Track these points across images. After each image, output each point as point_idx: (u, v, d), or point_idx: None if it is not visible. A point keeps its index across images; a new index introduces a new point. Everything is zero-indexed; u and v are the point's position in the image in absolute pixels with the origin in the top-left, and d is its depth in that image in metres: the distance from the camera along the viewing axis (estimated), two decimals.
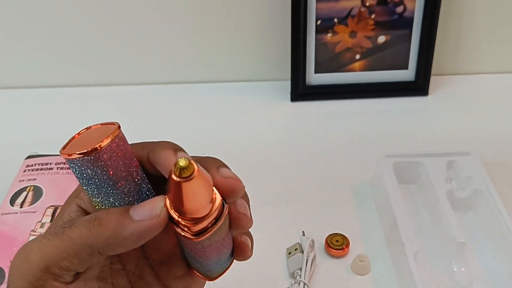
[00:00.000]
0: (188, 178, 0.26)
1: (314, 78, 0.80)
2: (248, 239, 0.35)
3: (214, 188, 0.29)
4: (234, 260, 0.36)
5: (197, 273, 0.35)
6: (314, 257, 0.55)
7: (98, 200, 0.30)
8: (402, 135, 0.74)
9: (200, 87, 0.83)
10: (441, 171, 0.61)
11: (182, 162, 0.26)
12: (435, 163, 0.62)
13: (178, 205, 0.27)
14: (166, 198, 0.29)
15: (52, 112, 0.79)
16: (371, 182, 0.64)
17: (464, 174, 0.61)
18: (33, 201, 0.60)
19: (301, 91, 0.80)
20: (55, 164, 0.64)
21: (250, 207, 0.33)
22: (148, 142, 0.32)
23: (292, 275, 0.54)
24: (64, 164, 0.64)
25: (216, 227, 0.29)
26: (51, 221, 0.57)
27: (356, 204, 0.63)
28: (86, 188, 0.29)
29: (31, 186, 0.62)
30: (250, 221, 0.32)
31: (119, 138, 0.29)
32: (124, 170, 0.29)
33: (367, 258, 0.55)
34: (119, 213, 0.29)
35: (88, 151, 0.27)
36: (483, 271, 0.54)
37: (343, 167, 0.68)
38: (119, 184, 0.29)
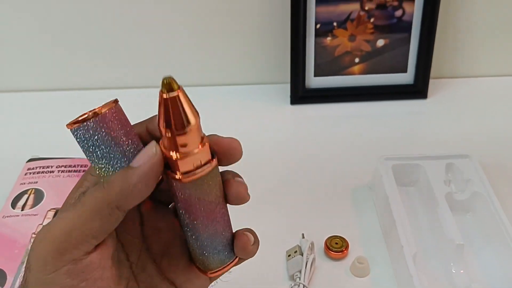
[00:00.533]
0: (174, 90, 0.29)
1: (313, 81, 0.80)
2: (250, 235, 0.36)
3: (204, 134, 0.32)
4: (237, 261, 0.37)
5: (195, 261, 0.36)
6: (314, 260, 0.55)
7: (102, 166, 0.32)
8: (401, 138, 0.74)
9: (200, 90, 0.84)
10: (440, 173, 0.61)
11: (167, 79, 0.30)
12: (434, 165, 0.62)
13: (169, 122, 0.30)
14: (158, 143, 0.31)
15: (53, 115, 0.80)
16: (371, 185, 0.65)
17: (463, 176, 0.61)
18: (34, 204, 0.60)
19: (301, 94, 0.80)
20: (56, 167, 0.64)
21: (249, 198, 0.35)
22: (145, 119, 0.35)
23: (292, 278, 0.54)
24: (65, 167, 0.65)
25: (203, 172, 0.31)
26: None
27: (355, 206, 0.63)
28: (91, 155, 0.31)
29: (32, 189, 0.62)
30: (246, 191, 0.34)
31: (117, 108, 0.32)
32: (124, 135, 0.31)
33: (366, 260, 0.55)
34: (122, 170, 0.31)
35: (90, 115, 0.30)
36: (481, 273, 0.54)
37: (342, 169, 0.69)
38: (120, 148, 0.31)
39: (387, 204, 0.58)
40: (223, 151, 0.33)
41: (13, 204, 0.60)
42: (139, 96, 0.83)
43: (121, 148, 0.32)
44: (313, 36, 0.77)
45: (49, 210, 0.59)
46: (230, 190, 0.34)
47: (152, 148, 0.31)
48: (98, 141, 0.31)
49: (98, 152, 0.31)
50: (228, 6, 0.79)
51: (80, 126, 0.30)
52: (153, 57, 0.83)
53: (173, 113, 0.29)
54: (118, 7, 0.78)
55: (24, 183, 0.63)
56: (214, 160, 0.32)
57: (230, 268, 0.37)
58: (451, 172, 0.63)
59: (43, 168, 0.65)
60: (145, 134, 0.34)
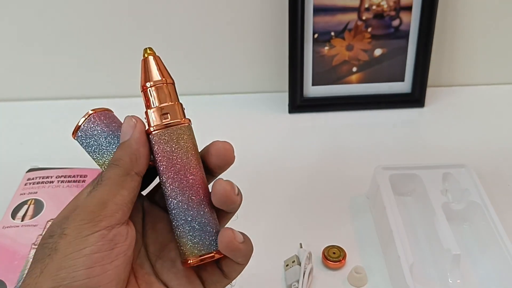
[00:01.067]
0: (146, 55, 0.39)
1: (311, 90, 0.81)
2: (237, 232, 0.36)
3: (180, 102, 0.37)
4: (218, 257, 0.36)
5: (179, 252, 0.37)
6: (311, 269, 0.55)
7: (105, 160, 0.37)
8: (398, 147, 0.75)
9: (198, 99, 0.84)
10: (437, 183, 0.62)
11: (148, 49, 0.39)
12: (431, 175, 0.62)
13: (141, 77, 0.38)
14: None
15: (53, 125, 0.80)
16: (368, 194, 0.65)
17: (460, 186, 0.61)
18: (34, 215, 0.61)
19: (299, 103, 0.80)
20: (56, 177, 0.65)
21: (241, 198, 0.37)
22: None
23: (290, 287, 0.55)
24: (64, 177, 0.65)
25: (171, 125, 0.36)
26: None
27: (352, 216, 0.63)
28: (94, 151, 0.37)
29: (32, 199, 0.62)
30: (233, 190, 0.36)
31: (110, 112, 0.39)
32: (118, 130, 0.37)
33: (363, 270, 0.55)
34: (119, 147, 0.36)
35: (86, 115, 0.38)
36: (478, 283, 0.55)
37: (340, 179, 0.69)
38: (116, 139, 0.37)
39: (384, 214, 0.58)
40: (216, 152, 0.37)
41: (13, 215, 0.61)
42: (139, 105, 0.83)
43: (115, 142, 0.37)
44: (311, 46, 0.78)
45: (49, 221, 0.60)
46: (215, 187, 0.36)
47: (130, 120, 0.36)
48: (97, 137, 0.37)
49: (100, 146, 0.37)
50: (226, 15, 0.79)
51: (80, 127, 0.37)
52: None
53: (143, 70, 0.38)
54: (117, 16, 0.79)
55: (24, 194, 0.63)
56: (185, 119, 0.37)
57: (208, 260, 0.36)
58: (448, 182, 0.63)
59: (42, 178, 0.65)
60: None
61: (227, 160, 0.37)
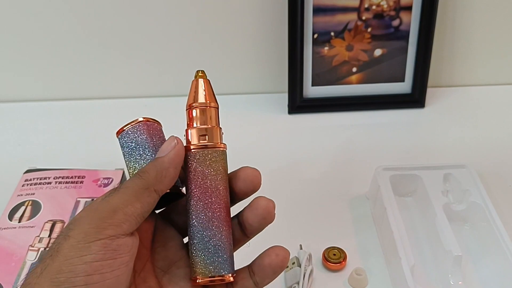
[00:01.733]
0: (196, 77, 0.39)
1: (311, 91, 0.80)
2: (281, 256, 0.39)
3: (220, 127, 0.39)
4: (230, 280, 0.37)
5: (190, 256, 0.38)
6: (312, 271, 0.55)
7: (136, 167, 0.38)
8: (398, 147, 0.74)
9: None
10: (437, 184, 0.61)
11: (200, 72, 0.39)
12: (431, 176, 0.62)
13: (188, 98, 0.38)
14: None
15: (51, 126, 0.80)
16: (368, 195, 0.65)
17: (461, 187, 0.61)
18: (32, 216, 0.60)
19: (299, 103, 0.80)
20: (54, 178, 0.64)
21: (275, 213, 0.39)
22: None
23: None
24: (62, 178, 0.64)
25: (208, 146, 0.37)
26: (49, 235, 0.58)
27: (353, 217, 0.63)
28: (130, 155, 0.38)
29: (29, 200, 0.62)
30: (259, 177, 0.39)
31: (159, 125, 0.40)
32: (160, 142, 0.38)
33: (364, 271, 0.55)
34: (152, 161, 0.37)
35: (135, 121, 0.38)
36: (480, 285, 0.54)
37: (340, 180, 0.69)
38: (153, 155, 0.38)
39: (385, 215, 0.58)
40: (244, 177, 0.38)
41: (10, 216, 0.60)
42: (137, 106, 0.83)
43: (153, 155, 0.38)
44: (310, 46, 0.77)
45: (46, 222, 0.59)
46: (258, 203, 0.38)
47: (173, 140, 0.37)
48: (141, 142, 0.38)
49: (137, 153, 0.38)
50: (225, 16, 0.79)
51: (126, 129, 0.38)
52: (152, 67, 0.83)
53: (192, 90, 0.39)
54: (116, 17, 0.78)
55: (21, 195, 0.63)
56: (222, 144, 0.38)
57: (217, 283, 0.37)
58: (448, 183, 0.62)
59: (40, 179, 0.64)
60: None
61: (254, 186, 0.39)
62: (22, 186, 0.64)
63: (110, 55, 0.82)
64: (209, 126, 0.38)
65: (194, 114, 0.38)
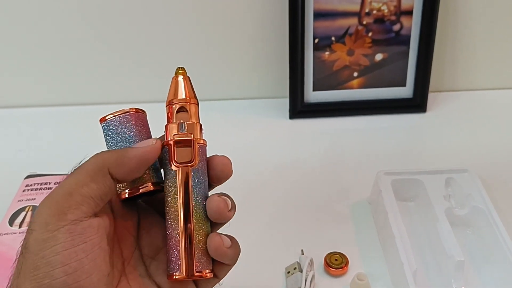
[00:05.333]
0: (183, 75, 0.40)
1: (312, 95, 0.80)
2: (228, 241, 0.37)
3: (199, 124, 0.39)
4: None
5: (167, 251, 0.37)
6: (313, 276, 0.54)
7: None
8: (400, 152, 0.74)
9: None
10: (439, 188, 0.61)
11: (180, 69, 0.41)
12: (433, 180, 0.62)
13: (174, 95, 0.39)
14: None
15: (51, 131, 0.80)
16: (370, 200, 0.64)
17: (463, 191, 0.61)
18: None
19: (300, 108, 0.80)
20: (54, 184, 0.64)
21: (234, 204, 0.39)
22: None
23: None
24: None
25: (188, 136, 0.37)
26: None
27: (354, 222, 0.63)
28: (115, 145, 0.38)
29: (30, 206, 0.62)
30: (230, 165, 0.39)
31: (144, 115, 0.40)
32: (145, 135, 0.39)
33: (366, 277, 0.54)
34: (122, 148, 0.37)
35: (122, 111, 0.38)
36: None
37: (341, 184, 0.68)
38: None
39: (387, 220, 0.57)
40: (214, 166, 0.38)
41: (11, 222, 0.60)
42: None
43: None
44: (311, 51, 0.77)
45: None
46: (209, 203, 0.37)
47: (153, 140, 0.37)
48: (125, 133, 0.38)
49: (120, 144, 0.37)
50: (226, 21, 0.79)
51: (112, 118, 0.38)
52: (153, 72, 0.83)
53: (172, 87, 0.39)
54: (117, 22, 0.78)
55: (22, 200, 0.63)
56: (202, 140, 0.38)
57: (195, 279, 0.37)
58: (450, 187, 0.62)
59: (41, 184, 0.64)
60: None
61: (225, 174, 0.39)
62: (23, 191, 0.64)
63: (111, 61, 0.82)
64: (189, 121, 0.38)
65: (174, 110, 0.38)
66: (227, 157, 0.39)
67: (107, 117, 0.38)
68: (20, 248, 0.33)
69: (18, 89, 0.84)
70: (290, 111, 0.80)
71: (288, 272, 0.55)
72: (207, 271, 0.37)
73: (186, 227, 0.36)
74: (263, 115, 0.82)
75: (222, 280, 0.39)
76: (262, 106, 0.83)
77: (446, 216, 0.57)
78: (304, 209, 0.65)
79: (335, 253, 0.57)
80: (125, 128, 0.38)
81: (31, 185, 0.65)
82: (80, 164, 0.35)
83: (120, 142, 0.38)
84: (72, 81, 0.83)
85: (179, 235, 0.36)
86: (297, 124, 0.80)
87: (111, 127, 0.38)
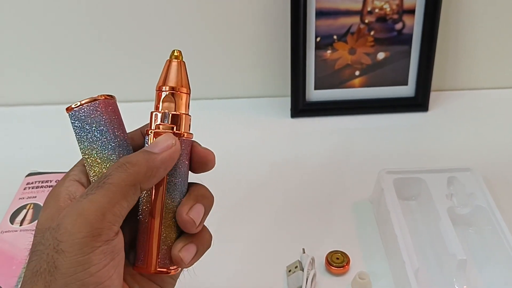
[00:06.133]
0: (178, 59, 0.38)
1: (314, 94, 0.80)
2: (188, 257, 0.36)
3: (188, 117, 0.37)
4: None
5: (138, 244, 0.36)
6: (315, 275, 0.54)
7: (89, 151, 0.35)
8: (402, 151, 0.74)
9: (200, 104, 0.83)
10: (441, 187, 0.61)
11: (176, 51, 0.38)
12: (435, 179, 0.62)
13: (165, 81, 0.37)
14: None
15: (52, 129, 0.79)
16: (371, 199, 0.64)
17: (465, 190, 0.61)
18: (33, 219, 0.60)
19: (301, 107, 0.80)
20: (55, 181, 0.64)
21: (207, 215, 0.37)
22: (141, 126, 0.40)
23: None
24: None
25: (177, 133, 0.36)
26: None
27: (356, 221, 0.62)
28: (83, 139, 0.35)
29: (31, 203, 0.62)
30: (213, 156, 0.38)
31: (114, 101, 0.36)
32: (116, 128, 0.36)
33: (368, 275, 0.54)
34: (142, 152, 0.34)
35: (91, 99, 0.35)
36: None
37: (343, 183, 0.68)
38: (111, 137, 0.35)
39: (388, 219, 0.57)
40: (197, 158, 0.37)
41: (12, 219, 0.60)
42: (139, 110, 0.83)
43: (111, 138, 0.35)
44: (313, 50, 0.77)
45: None
46: (180, 215, 0.36)
47: (171, 139, 0.35)
48: (94, 124, 0.35)
49: (90, 136, 0.35)
50: (227, 19, 0.79)
51: (81, 107, 0.35)
52: (153, 71, 0.83)
53: (164, 71, 0.37)
54: (117, 20, 0.78)
55: (23, 198, 0.63)
56: (188, 133, 0.36)
57: (162, 274, 0.36)
58: (453, 186, 0.62)
59: (42, 182, 0.64)
60: (138, 137, 0.38)
61: (207, 168, 0.38)
62: (24, 189, 0.64)
63: (113, 59, 0.81)
64: (177, 112, 0.36)
65: (162, 97, 0.36)
66: (210, 151, 0.38)
67: (74, 106, 0.35)
68: (40, 262, 0.31)
69: (20, 87, 0.84)
70: (291, 109, 0.80)
71: (289, 271, 0.55)
72: (170, 268, 0.36)
73: (154, 222, 0.35)
74: (264, 113, 0.82)
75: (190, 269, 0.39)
76: (264, 105, 0.83)
77: (448, 215, 0.57)
78: (306, 207, 0.65)
79: (336, 251, 0.57)
80: (95, 116, 0.35)
81: (32, 183, 0.65)
82: (104, 178, 0.33)
83: (90, 132, 0.35)
84: (74, 79, 0.83)
85: (147, 229, 0.35)
86: (298, 122, 0.80)
87: (79, 116, 0.35)
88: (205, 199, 0.37)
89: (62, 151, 0.75)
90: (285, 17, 0.77)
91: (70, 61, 0.81)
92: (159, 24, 0.79)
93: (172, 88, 0.36)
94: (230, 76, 0.84)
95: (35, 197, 0.62)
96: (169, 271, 0.36)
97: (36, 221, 0.58)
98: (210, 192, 0.38)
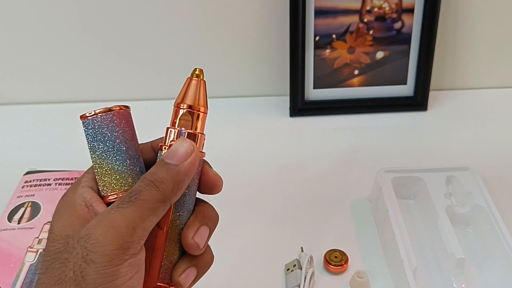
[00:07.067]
0: (198, 77, 0.37)
1: (312, 93, 0.80)
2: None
3: (202, 136, 0.37)
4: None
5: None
6: (313, 274, 0.54)
7: (100, 161, 0.35)
8: (401, 150, 0.74)
9: None
10: (440, 186, 0.61)
11: (197, 70, 0.37)
12: (434, 178, 0.62)
13: (184, 98, 0.36)
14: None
15: (51, 128, 0.80)
16: (370, 198, 0.64)
17: (464, 189, 0.61)
18: (31, 217, 0.60)
19: (300, 106, 0.80)
20: (54, 180, 0.64)
21: (211, 235, 0.38)
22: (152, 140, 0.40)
23: None
24: (62, 180, 0.64)
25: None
26: None
27: (355, 220, 0.62)
28: (95, 148, 0.35)
29: (29, 202, 0.62)
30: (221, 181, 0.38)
31: (128, 112, 0.37)
32: (129, 140, 0.36)
33: (366, 274, 0.54)
34: (165, 168, 0.34)
35: (106, 109, 0.35)
36: None
37: (341, 182, 0.68)
38: (123, 148, 0.35)
39: (387, 218, 0.57)
40: (206, 182, 0.38)
41: (10, 217, 0.60)
42: (138, 109, 0.83)
43: (123, 150, 0.35)
44: (312, 49, 0.77)
45: (46, 223, 0.59)
46: (185, 238, 0.36)
47: (188, 145, 0.35)
48: (107, 135, 0.35)
49: (102, 146, 0.35)
50: (227, 18, 0.79)
51: (95, 117, 0.35)
52: (153, 70, 0.83)
53: (184, 88, 0.37)
54: (116, 20, 0.78)
55: (21, 196, 0.62)
56: (201, 152, 0.37)
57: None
58: (451, 185, 0.62)
59: (40, 181, 0.64)
60: (148, 148, 0.39)
61: (214, 192, 0.38)
62: (22, 187, 0.64)
63: (111, 58, 0.81)
64: (193, 131, 0.36)
65: (180, 115, 0.36)
66: (219, 177, 0.38)
67: (88, 115, 0.35)
68: (64, 270, 0.32)
69: (18, 85, 0.84)
70: (290, 109, 0.80)
71: (288, 269, 0.55)
72: (171, 285, 0.37)
73: (160, 238, 0.36)
74: (263, 113, 0.82)
75: None
76: (263, 104, 0.83)
77: (447, 214, 0.57)
78: (304, 206, 0.65)
79: (335, 250, 0.57)
80: (108, 127, 0.35)
81: (30, 181, 0.64)
82: (135, 193, 0.33)
83: (102, 143, 0.35)
84: (72, 78, 0.83)
85: (152, 244, 0.36)
86: (297, 122, 0.80)
87: (93, 126, 0.35)
88: (211, 220, 0.38)
89: (60, 150, 0.75)
90: (284, 16, 0.77)
91: (69, 60, 0.81)
92: (158, 24, 0.79)
93: (190, 106, 0.36)
94: (228, 75, 0.84)
95: (33, 195, 0.62)
96: (169, 286, 0.37)
97: (34, 219, 0.59)
98: (215, 212, 0.38)
